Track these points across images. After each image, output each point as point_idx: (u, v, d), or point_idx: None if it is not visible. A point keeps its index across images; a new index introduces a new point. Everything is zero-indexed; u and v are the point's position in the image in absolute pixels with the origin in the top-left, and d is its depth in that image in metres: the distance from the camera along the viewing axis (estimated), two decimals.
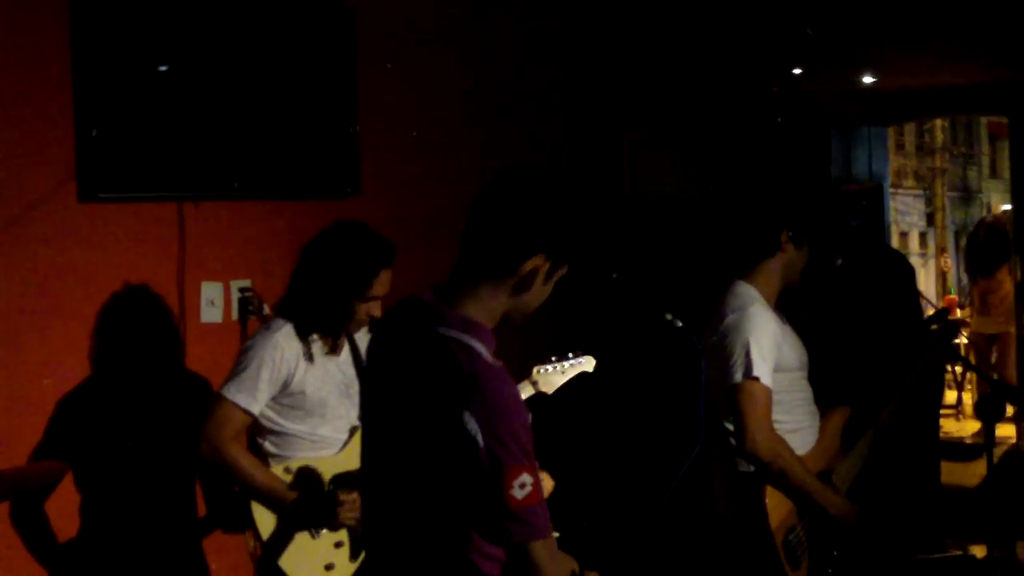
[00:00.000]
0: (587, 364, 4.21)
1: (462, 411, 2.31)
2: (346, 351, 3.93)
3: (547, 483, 3.36)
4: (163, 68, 4.53)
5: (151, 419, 4.52)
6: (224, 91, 4.71)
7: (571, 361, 4.16)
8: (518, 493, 2.32)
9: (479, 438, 2.30)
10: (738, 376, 3.73)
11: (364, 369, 2.82)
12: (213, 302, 4.76)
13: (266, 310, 4.73)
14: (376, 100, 5.29)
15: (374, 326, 2.99)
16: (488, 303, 2.48)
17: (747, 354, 3.73)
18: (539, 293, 2.52)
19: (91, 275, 4.41)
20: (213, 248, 4.75)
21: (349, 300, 3.75)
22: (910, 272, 7.69)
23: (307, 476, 3.80)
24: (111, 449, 4.44)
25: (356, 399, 3.84)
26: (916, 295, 7.20)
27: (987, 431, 4.05)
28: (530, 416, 2.40)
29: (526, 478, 2.33)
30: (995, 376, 9.58)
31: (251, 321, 4.71)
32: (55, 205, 4.32)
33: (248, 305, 4.73)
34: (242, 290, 4.74)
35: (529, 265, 2.45)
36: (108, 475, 4.44)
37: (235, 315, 4.74)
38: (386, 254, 3.78)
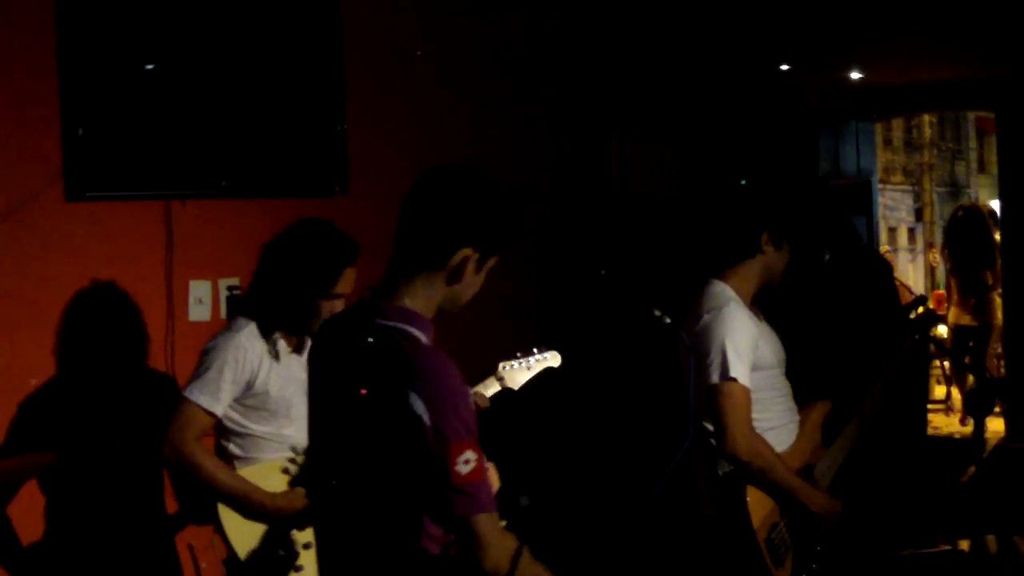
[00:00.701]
0: (552, 360, 4.19)
1: (407, 393, 2.43)
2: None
3: (492, 477, 3.34)
4: (149, 67, 4.52)
5: (130, 419, 4.50)
6: (211, 89, 4.71)
7: (536, 356, 4.14)
8: (463, 468, 2.43)
9: (425, 417, 2.41)
10: (715, 377, 3.73)
11: (309, 369, 2.83)
12: (201, 300, 4.75)
13: None
14: (364, 97, 5.29)
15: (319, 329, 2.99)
16: (423, 295, 2.61)
17: (723, 354, 3.73)
18: (471, 283, 2.65)
19: (79, 274, 4.40)
20: (201, 246, 4.75)
21: (313, 298, 3.72)
22: (886, 267, 7.72)
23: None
24: (87, 449, 4.42)
25: None
26: (894, 289, 7.22)
27: (976, 426, 4.05)
28: (471, 395, 2.52)
29: (470, 454, 2.44)
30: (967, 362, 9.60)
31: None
32: (42, 205, 4.31)
33: (236, 303, 4.72)
34: (230, 288, 4.74)
35: (458, 257, 2.58)
36: (89, 475, 4.41)
37: (223, 313, 4.74)
38: (350, 252, 3.77)
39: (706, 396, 3.75)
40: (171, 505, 4.60)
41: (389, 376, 2.47)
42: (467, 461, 2.43)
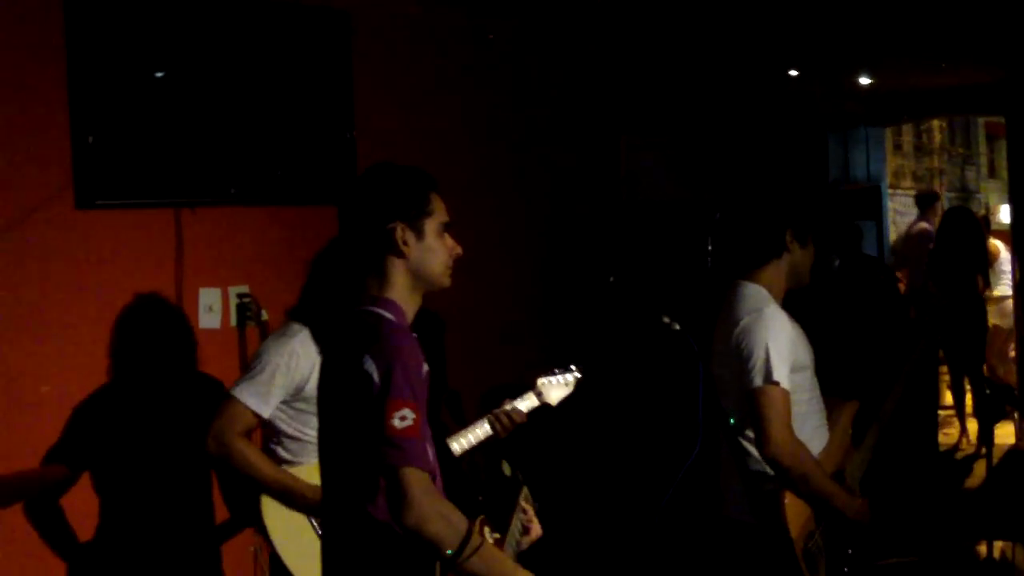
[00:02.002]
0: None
1: (363, 356, 2.67)
2: None
3: (535, 529, 3.32)
4: (159, 75, 4.54)
5: (165, 422, 4.54)
6: (220, 97, 4.71)
7: (574, 374, 4.17)
8: (398, 423, 2.61)
9: (374, 376, 2.64)
10: (758, 381, 3.66)
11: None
12: (211, 308, 4.76)
13: (264, 315, 4.73)
14: (373, 105, 5.29)
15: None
16: (388, 280, 2.84)
17: (767, 358, 3.67)
18: (426, 250, 2.86)
19: (89, 282, 4.41)
20: (211, 254, 4.75)
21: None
22: (891, 274, 7.70)
23: None
24: (126, 453, 4.46)
25: None
26: (898, 293, 7.21)
27: (986, 432, 4.03)
28: (425, 368, 2.73)
29: (408, 412, 2.63)
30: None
31: (249, 327, 4.71)
32: (52, 213, 4.33)
33: (246, 311, 4.73)
34: (240, 296, 4.75)
35: (389, 234, 2.81)
36: (122, 478, 4.45)
37: (233, 321, 4.74)
38: None
39: (747, 400, 3.71)
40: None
41: (353, 346, 2.72)
42: (403, 417, 2.61)
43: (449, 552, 2.62)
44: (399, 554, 2.68)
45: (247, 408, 3.69)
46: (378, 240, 2.82)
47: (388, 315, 2.79)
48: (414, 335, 2.78)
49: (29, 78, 4.30)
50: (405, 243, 2.82)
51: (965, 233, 9.08)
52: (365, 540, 2.72)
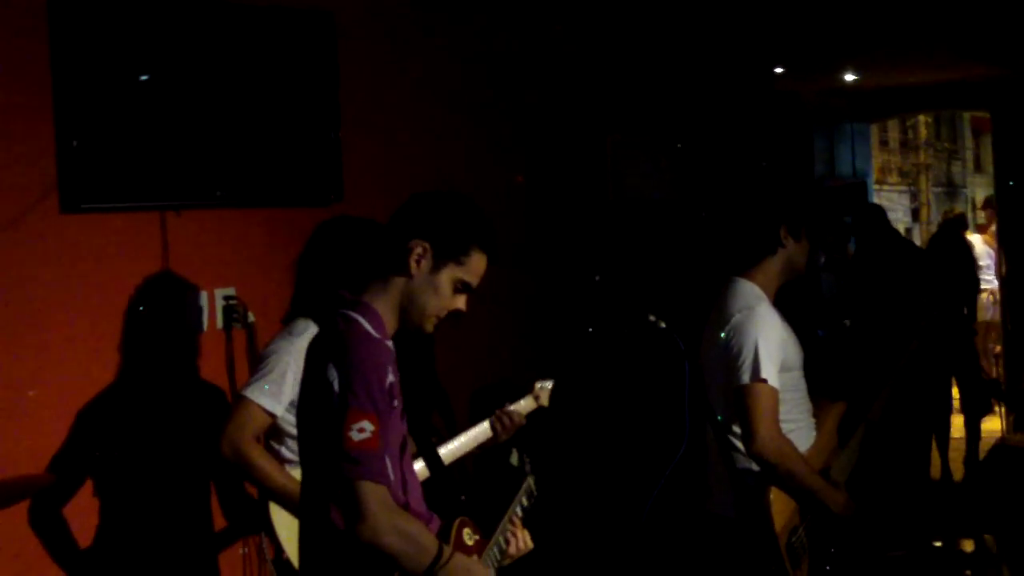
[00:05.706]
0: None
1: (327, 363, 2.63)
2: None
3: (516, 544, 3.28)
4: (144, 77, 4.52)
5: (166, 426, 4.55)
6: (205, 100, 4.70)
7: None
8: (356, 435, 2.56)
9: (335, 384, 2.60)
10: (746, 377, 3.69)
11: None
12: None
13: (251, 317, 4.72)
14: (358, 105, 5.29)
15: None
16: (382, 291, 2.79)
17: (756, 355, 3.69)
18: (428, 284, 2.79)
19: (75, 286, 4.40)
20: (197, 256, 4.74)
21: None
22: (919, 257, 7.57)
23: None
24: (126, 457, 4.47)
25: None
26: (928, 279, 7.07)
27: (971, 426, 4.06)
28: (389, 380, 2.65)
29: (367, 424, 2.58)
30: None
31: (235, 329, 4.70)
32: (37, 216, 4.31)
33: (232, 313, 4.72)
34: (226, 298, 4.74)
35: (409, 250, 2.76)
36: (122, 483, 4.45)
37: (220, 323, 4.73)
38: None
39: (734, 396, 3.73)
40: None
41: (320, 351, 2.70)
42: (362, 429, 2.56)
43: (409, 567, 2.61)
44: (360, 562, 2.65)
45: (261, 408, 3.67)
46: (398, 246, 2.77)
47: (363, 321, 2.72)
48: (389, 343, 2.72)
49: (13, 82, 4.28)
50: (415, 261, 2.77)
51: (956, 256, 8.95)
52: (328, 547, 2.69)
